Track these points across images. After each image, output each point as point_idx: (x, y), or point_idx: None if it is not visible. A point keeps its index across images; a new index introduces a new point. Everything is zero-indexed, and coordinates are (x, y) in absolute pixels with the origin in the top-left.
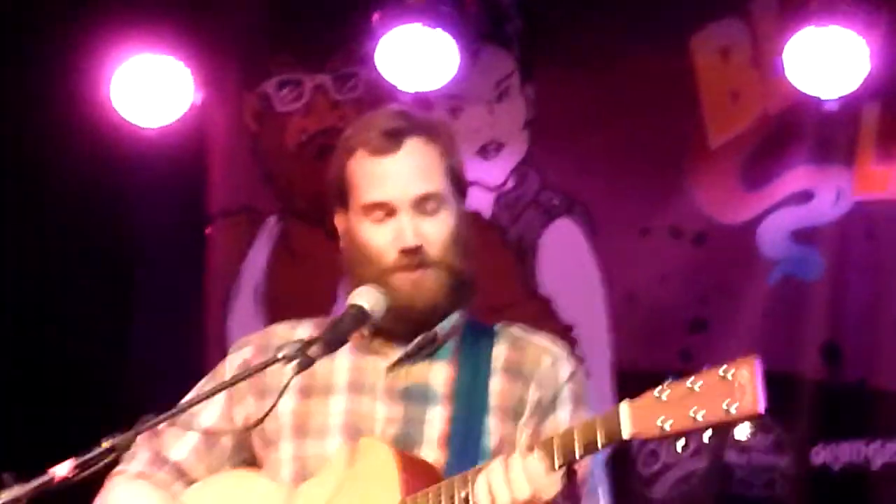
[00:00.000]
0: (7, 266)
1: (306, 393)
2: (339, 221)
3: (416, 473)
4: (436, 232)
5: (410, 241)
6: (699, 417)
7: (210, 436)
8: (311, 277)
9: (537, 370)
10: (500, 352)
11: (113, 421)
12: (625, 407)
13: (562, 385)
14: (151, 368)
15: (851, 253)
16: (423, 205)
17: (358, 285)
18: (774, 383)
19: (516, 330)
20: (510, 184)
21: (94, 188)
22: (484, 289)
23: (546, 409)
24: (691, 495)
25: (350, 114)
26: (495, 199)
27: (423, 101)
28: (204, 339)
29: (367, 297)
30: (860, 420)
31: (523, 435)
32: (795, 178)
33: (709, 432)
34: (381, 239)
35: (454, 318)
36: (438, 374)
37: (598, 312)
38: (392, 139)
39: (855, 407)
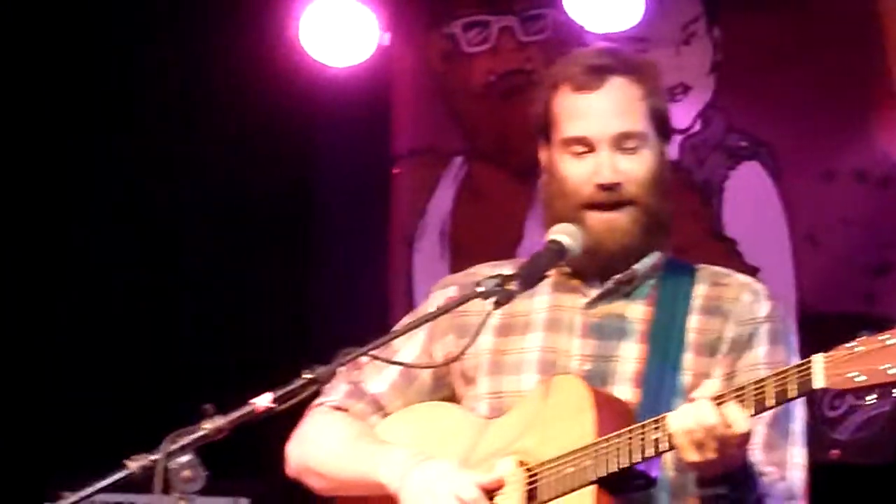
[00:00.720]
0: (201, 202)
1: (505, 331)
2: (541, 155)
3: (611, 412)
4: (634, 170)
5: (608, 177)
6: (891, 372)
7: (408, 372)
8: (496, 218)
9: (736, 306)
10: (700, 290)
11: (300, 361)
12: (818, 359)
13: (760, 322)
14: (338, 308)
15: None
16: (622, 142)
17: (554, 220)
18: None
19: (717, 269)
20: (696, 127)
21: (283, 126)
22: (672, 228)
23: (743, 346)
24: (875, 437)
25: (537, 55)
26: (681, 141)
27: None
28: (389, 278)
29: (565, 233)
30: None
31: (716, 370)
32: None
33: None
34: (580, 173)
35: (654, 258)
36: (636, 311)
37: (783, 255)
38: (596, 76)
39: None
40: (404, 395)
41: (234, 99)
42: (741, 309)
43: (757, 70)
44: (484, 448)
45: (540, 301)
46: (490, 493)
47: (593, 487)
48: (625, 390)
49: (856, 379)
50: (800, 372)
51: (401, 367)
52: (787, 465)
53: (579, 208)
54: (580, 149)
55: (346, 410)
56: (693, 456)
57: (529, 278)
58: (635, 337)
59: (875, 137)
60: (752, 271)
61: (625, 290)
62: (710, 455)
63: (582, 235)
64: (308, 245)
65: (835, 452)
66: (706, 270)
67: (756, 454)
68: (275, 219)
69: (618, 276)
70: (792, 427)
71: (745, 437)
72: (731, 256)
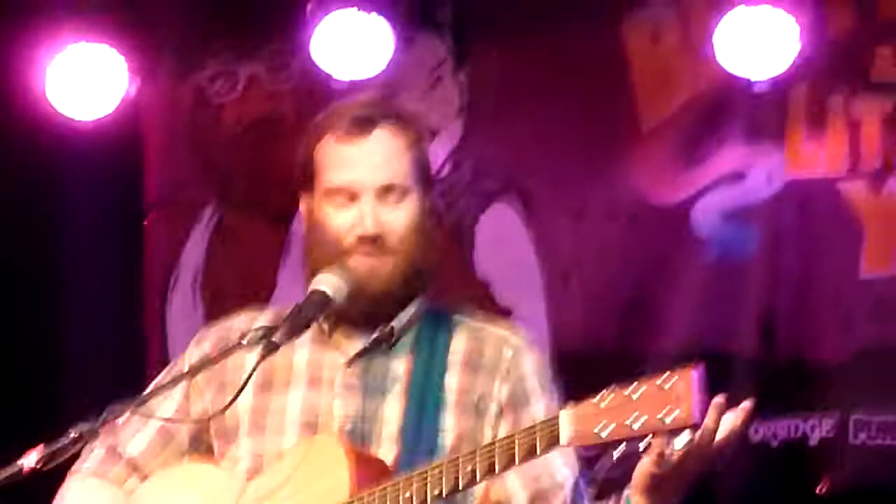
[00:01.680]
0: None
1: (265, 388)
2: (302, 205)
3: (368, 471)
4: (396, 222)
5: (370, 229)
6: (636, 426)
7: (166, 431)
8: (249, 267)
9: (500, 364)
10: (458, 344)
11: (55, 419)
12: (565, 414)
13: (528, 377)
14: (93, 363)
15: (785, 231)
16: (386, 195)
17: (315, 268)
18: (712, 362)
19: (475, 321)
20: (446, 170)
21: (29, 182)
22: None
23: (519, 405)
24: (629, 475)
25: (286, 103)
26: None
27: (357, 89)
28: (144, 330)
29: (328, 283)
30: (797, 396)
31: (489, 433)
32: (728, 159)
33: (647, 441)
34: (342, 223)
35: (411, 310)
36: (397, 367)
37: (536, 295)
38: (361, 126)
39: (792, 383)
40: (162, 456)
41: None
42: (506, 366)
43: (505, 110)
44: None
45: (300, 355)
46: None
47: None
48: (387, 450)
49: (602, 434)
50: (547, 428)
51: (158, 427)
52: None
53: (341, 254)
54: (343, 199)
55: (102, 476)
56: None
57: (294, 329)
58: (397, 394)
59: (624, 175)
60: (506, 313)
61: (386, 345)
62: None
63: (345, 285)
64: (58, 301)
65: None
66: (464, 324)
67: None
68: (23, 276)
69: (375, 335)
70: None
71: None
72: (483, 299)
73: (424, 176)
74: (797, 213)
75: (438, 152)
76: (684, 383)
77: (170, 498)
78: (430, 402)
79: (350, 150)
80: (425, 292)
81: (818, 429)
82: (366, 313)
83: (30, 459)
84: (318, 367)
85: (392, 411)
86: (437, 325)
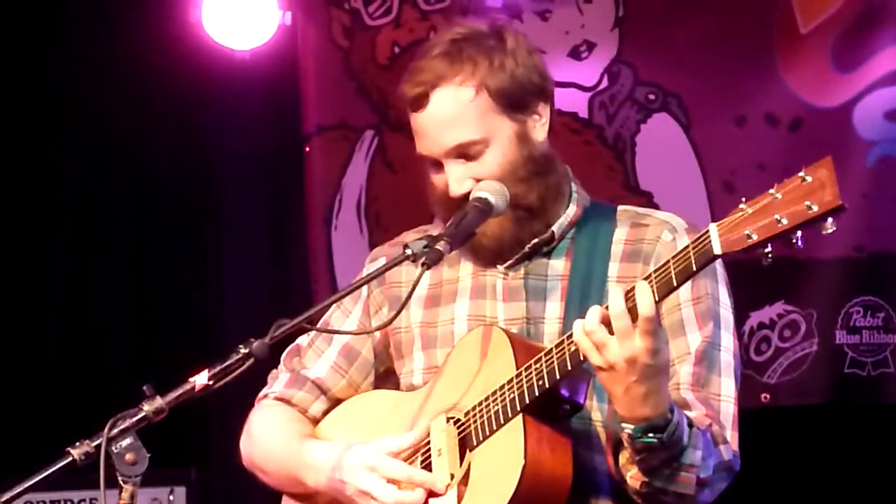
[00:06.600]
0: (104, 194)
1: (433, 302)
2: None
3: (528, 350)
4: (482, 173)
5: (456, 192)
6: (784, 221)
7: (349, 349)
8: (412, 188)
9: (656, 247)
10: (620, 234)
11: (218, 343)
12: (713, 226)
13: None
14: (255, 292)
15: None
16: (461, 151)
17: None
18: (878, 262)
19: (637, 209)
20: (604, 83)
21: (189, 113)
22: (586, 187)
23: None
24: (805, 379)
25: (440, 24)
26: (590, 99)
27: (512, 6)
28: (309, 256)
29: (490, 190)
30: None
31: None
32: (887, 59)
33: (798, 234)
34: (438, 184)
35: (570, 213)
36: (556, 268)
37: (699, 204)
38: (419, 92)
39: None
40: (347, 375)
41: (140, 87)
42: (661, 249)
43: (660, 22)
44: (413, 419)
45: (465, 268)
46: (415, 454)
47: (520, 417)
48: None
49: (753, 235)
50: (698, 244)
51: (340, 348)
52: (717, 399)
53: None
54: (429, 164)
55: (288, 400)
56: (597, 360)
57: (457, 237)
58: (556, 295)
59: (783, 80)
60: None
61: (544, 250)
62: (617, 362)
63: (506, 192)
64: (219, 231)
65: (765, 396)
66: (626, 212)
67: (685, 394)
68: (185, 207)
69: (535, 240)
70: (718, 359)
71: (653, 325)
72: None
73: (515, 101)
74: None
75: (596, 66)
76: (825, 169)
77: (345, 431)
78: (592, 296)
79: (418, 119)
80: (562, 205)
81: None
82: (507, 249)
83: (201, 377)
84: (481, 277)
85: (554, 312)
86: (598, 219)
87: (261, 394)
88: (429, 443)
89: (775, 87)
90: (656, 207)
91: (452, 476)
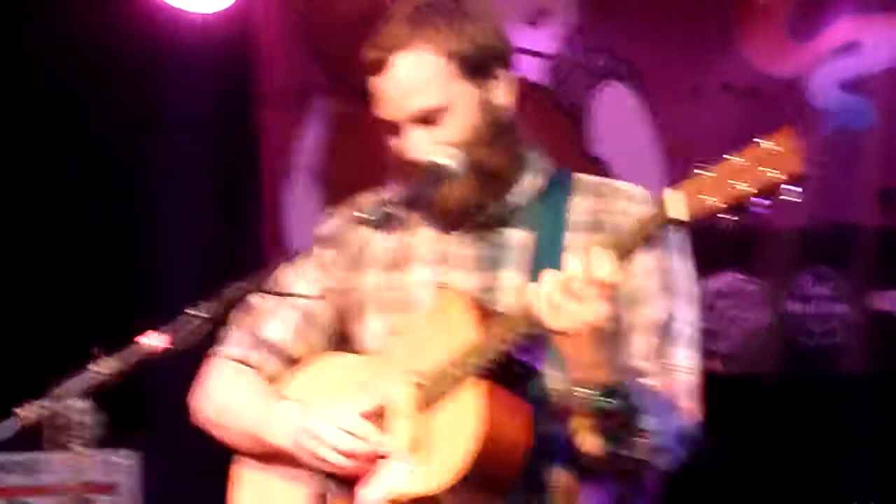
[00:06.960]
0: (57, 161)
1: (391, 266)
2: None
3: (486, 314)
4: (444, 138)
5: (414, 156)
6: (745, 187)
7: (310, 312)
8: (366, 153)
9: (618, 218)
10: (581, 205)
11: (172, 310)
12: (672, 192)
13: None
14: (207, 255)
15: None
16: (423, 117)
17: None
18: (831, 232)
19: (598, 179)
20: (557, 49)
21: (141, 76)
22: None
23: None
24: (756, 348)
25: None
26: (544, 65)
27: None
28: (261, 219)
29: (448, 155)
30: None
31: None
32: (842, 29)
33: (759, 201)
34: (397, 148)
35: (529, 185)
36: (516, 237)
37: (655, 173)
38: (381, 56)
39: None
40: (304, 337)
41: (91, 51)
42: (624, 220)
43: None
44: (373, 382)
45: (424, 233)
46: (379, 416)
47: (479, 382)
48: None
49: (712, 203)
50: (658, 210)
51: (295, 309)
52: (676, 370)
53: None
54: (387, 128)
55: (245, 362)
56: (556, 323)
57: (414, 201)
58: (516, 263)
59: (739, 49)
60: None
61: (505, 218)
62: (575, 326)
63: (465, 155)
64: (171, 193)
65: (715, 365)
66: (588, 182)
67: (643, 364)
68: (135, 168)
69: (490, 210)
70: (676, 330)
71: (611, 291)
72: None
73: (477, 66)
74: None
75: (550, 32)
76: (785, 137)
77: (315, 388)
78: (552, 265)
79: (377, 83)
80: (517, 178)
81: None
82: (466, 213)
83: (151, 339)
84: (442, 243)
85: (512, 280)
86: (562, 187)
87: (215, 351)
88: (387, 406)
89: (731, 55)
90: (612, 175)
91: (411, 440)
